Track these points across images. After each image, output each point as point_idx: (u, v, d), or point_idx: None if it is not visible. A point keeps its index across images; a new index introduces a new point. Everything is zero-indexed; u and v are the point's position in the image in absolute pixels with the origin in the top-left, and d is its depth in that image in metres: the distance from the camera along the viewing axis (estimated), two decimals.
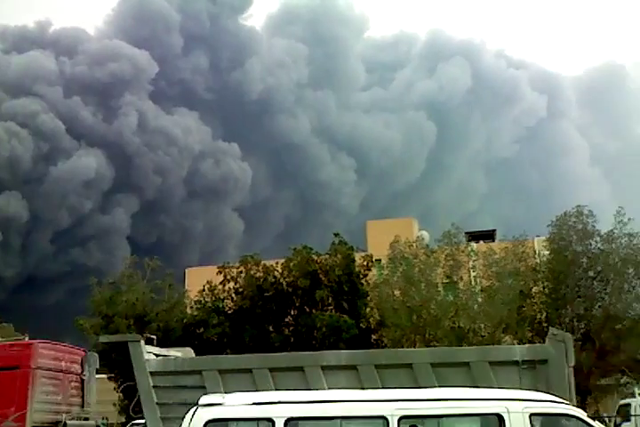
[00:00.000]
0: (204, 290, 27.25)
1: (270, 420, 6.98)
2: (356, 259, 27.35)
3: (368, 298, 26.43)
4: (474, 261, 25.93)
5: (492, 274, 25.14)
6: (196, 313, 27.45)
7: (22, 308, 45.55)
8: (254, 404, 7.31)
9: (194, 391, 11.09)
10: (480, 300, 25.32)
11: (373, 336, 27.07)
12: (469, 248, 26.27)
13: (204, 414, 7.18)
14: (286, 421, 6.95)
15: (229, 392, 8.90)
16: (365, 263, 27.18)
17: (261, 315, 26.47)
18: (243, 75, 67.51)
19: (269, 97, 67.39)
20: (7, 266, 52.76)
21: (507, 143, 70.83)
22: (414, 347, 26.74)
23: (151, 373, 12.38)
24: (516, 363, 11.15)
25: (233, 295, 27.02)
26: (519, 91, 69.54)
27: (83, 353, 14.62)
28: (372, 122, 68.68)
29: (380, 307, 26.60)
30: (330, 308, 26.35)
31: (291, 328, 27.03)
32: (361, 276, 26.86)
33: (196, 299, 28.01)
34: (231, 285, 26.88)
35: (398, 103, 69.09)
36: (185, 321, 27.29)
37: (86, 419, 14.32)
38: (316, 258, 26.61)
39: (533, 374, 11.06)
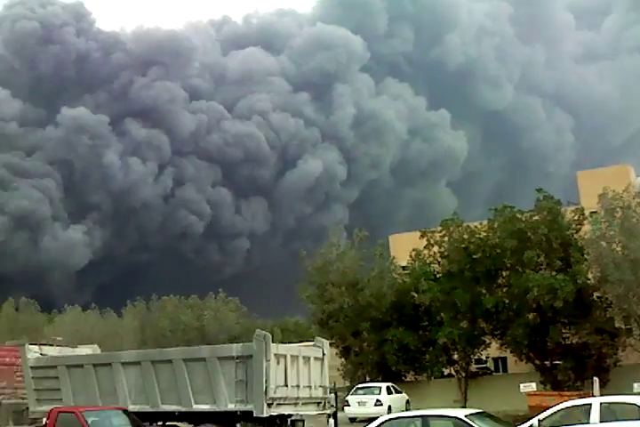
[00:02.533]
0: (410, 256, 25.88)
1: None
2: (567, 213, 24.20)
3: (583, 254, 23.16)
4: None
5: None
6: (404, 279, 26.22)
7: (250, 288, 48.26)
8: None
9: (53, 381, 15.78)
10: None
11: (596, 294, 23.88)
12: None
13: None
14: None
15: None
16: (577, 217, 23.93)
17: (471, 278, 24.54)
18: (444, 45, 64.18)
19: (472, 65, 63.39)
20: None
21: None
22: None
23: (31, 367, 16.34)
24: (233, 358, 13.55)
25: (439, 259, 25.37)
26: None
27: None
28: (584, 73, 61.83)
29: (599, 263, 23.26)
30: (542, 267, 23.60)
31: (504, 289, 24.74)
32: (572, 231, 23.70)
33: (402, 265, 26.78)
34: (435, 249, 25.25)
35: (611, 49, 61.44)
36: (396, 287, 26.20)
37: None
38: (520, 216, 23.96)
39: (244, 366, 13.35)
